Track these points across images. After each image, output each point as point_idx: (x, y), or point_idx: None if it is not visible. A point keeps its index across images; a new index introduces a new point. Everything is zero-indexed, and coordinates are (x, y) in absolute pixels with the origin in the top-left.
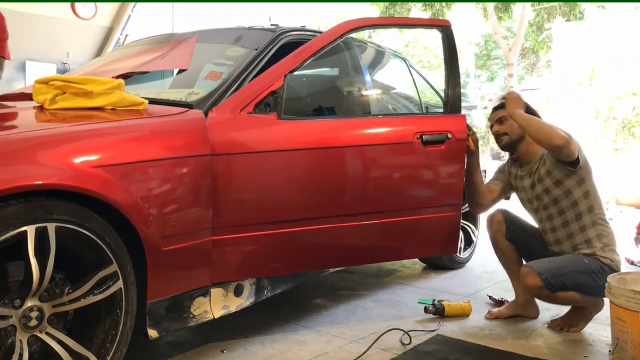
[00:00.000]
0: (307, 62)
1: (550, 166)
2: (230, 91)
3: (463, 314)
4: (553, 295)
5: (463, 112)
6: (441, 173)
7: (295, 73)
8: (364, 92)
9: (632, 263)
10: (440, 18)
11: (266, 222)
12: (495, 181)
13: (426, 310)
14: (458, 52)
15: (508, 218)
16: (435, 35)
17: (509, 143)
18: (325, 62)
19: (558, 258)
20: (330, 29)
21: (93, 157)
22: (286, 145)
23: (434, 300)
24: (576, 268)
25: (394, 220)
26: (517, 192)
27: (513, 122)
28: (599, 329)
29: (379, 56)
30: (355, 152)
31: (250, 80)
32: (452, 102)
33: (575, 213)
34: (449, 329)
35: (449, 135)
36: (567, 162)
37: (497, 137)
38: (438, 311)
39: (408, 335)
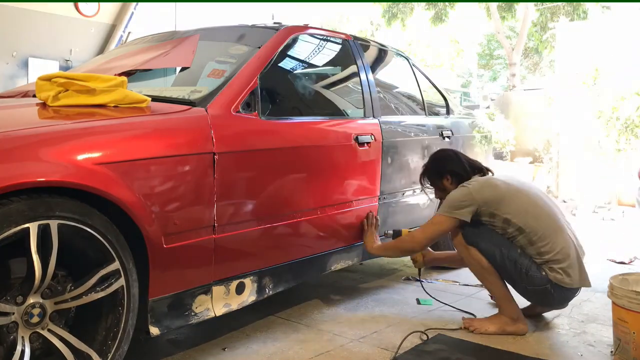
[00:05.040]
0: (267, 68)
1: None
2: None
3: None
4: (465, 247)
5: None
6: (368, 169)
7: (271, 74)
8: (351, 93)
9: (621, 263)
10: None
11: (257, 218)
12: None
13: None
14: (462, 52)
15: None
16: (436, 35)
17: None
18: (322, 62)
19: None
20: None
21: (96, 155)
22: (265, 144)
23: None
24: (499, 244)
25: (348, 210)
26: None
27: (441, 189)
28: (600, 329)
29: (382, 55)
30: (311, 151)
31: None
32: (373, 108)
33: (518, 245)
34: (451, 329)
35: (372, 137)
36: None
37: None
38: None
39: (426, 334)
